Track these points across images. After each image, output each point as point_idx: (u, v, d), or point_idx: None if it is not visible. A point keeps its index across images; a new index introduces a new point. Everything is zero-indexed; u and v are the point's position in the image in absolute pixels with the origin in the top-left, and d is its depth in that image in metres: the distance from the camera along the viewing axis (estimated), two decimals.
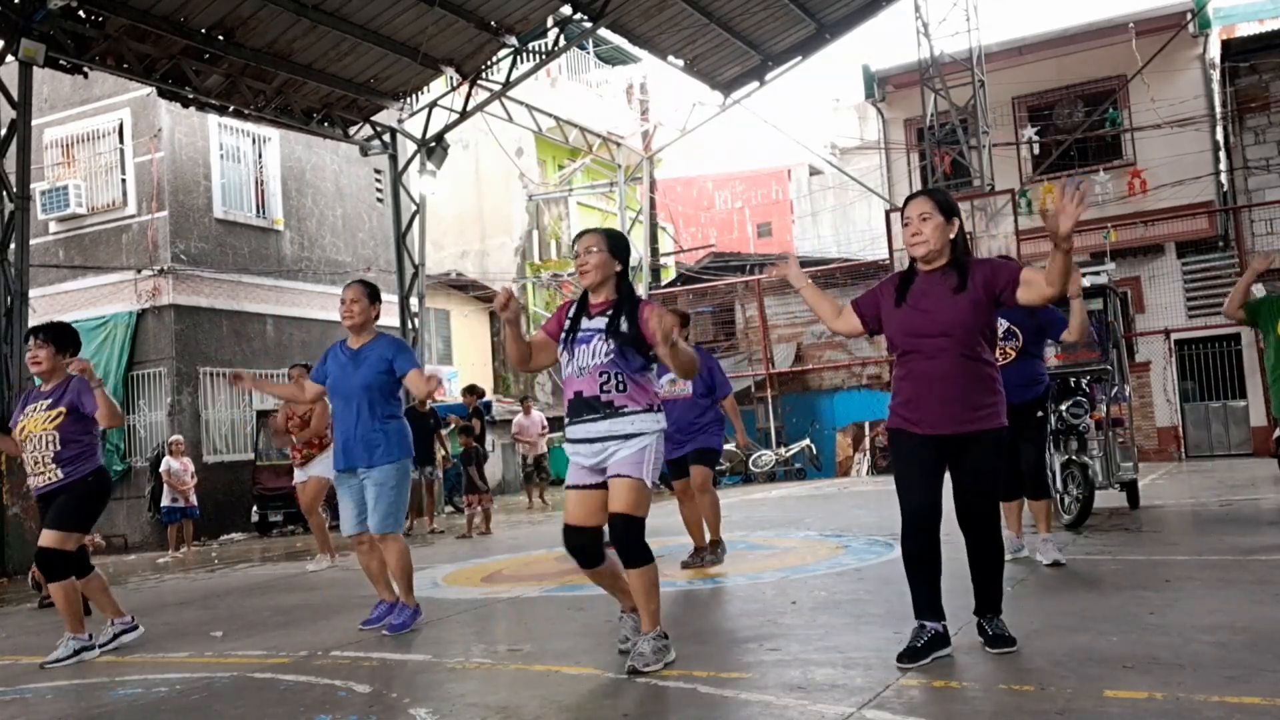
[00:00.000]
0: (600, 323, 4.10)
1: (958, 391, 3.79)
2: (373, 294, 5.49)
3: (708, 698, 3.58)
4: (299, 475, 9.53)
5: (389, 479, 5.29)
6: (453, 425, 13.13)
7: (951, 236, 3.87)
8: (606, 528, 4.10)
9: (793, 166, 30.27)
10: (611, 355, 4.03)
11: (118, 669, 5.09)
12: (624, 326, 4.04)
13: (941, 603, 3.85)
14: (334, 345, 5.57)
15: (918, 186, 19.52)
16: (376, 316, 5.51)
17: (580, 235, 4.26)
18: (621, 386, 4.02)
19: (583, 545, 4.13)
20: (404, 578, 5.46)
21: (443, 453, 13.42)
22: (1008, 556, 5.70)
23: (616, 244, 4.22)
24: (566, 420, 4.18)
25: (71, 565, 5.44)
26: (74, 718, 4.15)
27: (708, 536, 7.27)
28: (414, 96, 16.22)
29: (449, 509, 16.37)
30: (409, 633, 5.33)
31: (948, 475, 3.92)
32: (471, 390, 13.56)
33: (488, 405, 22.94)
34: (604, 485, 4.06)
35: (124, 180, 15.70)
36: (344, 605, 6.75)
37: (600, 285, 4.16)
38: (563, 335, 4.18)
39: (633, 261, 23.97)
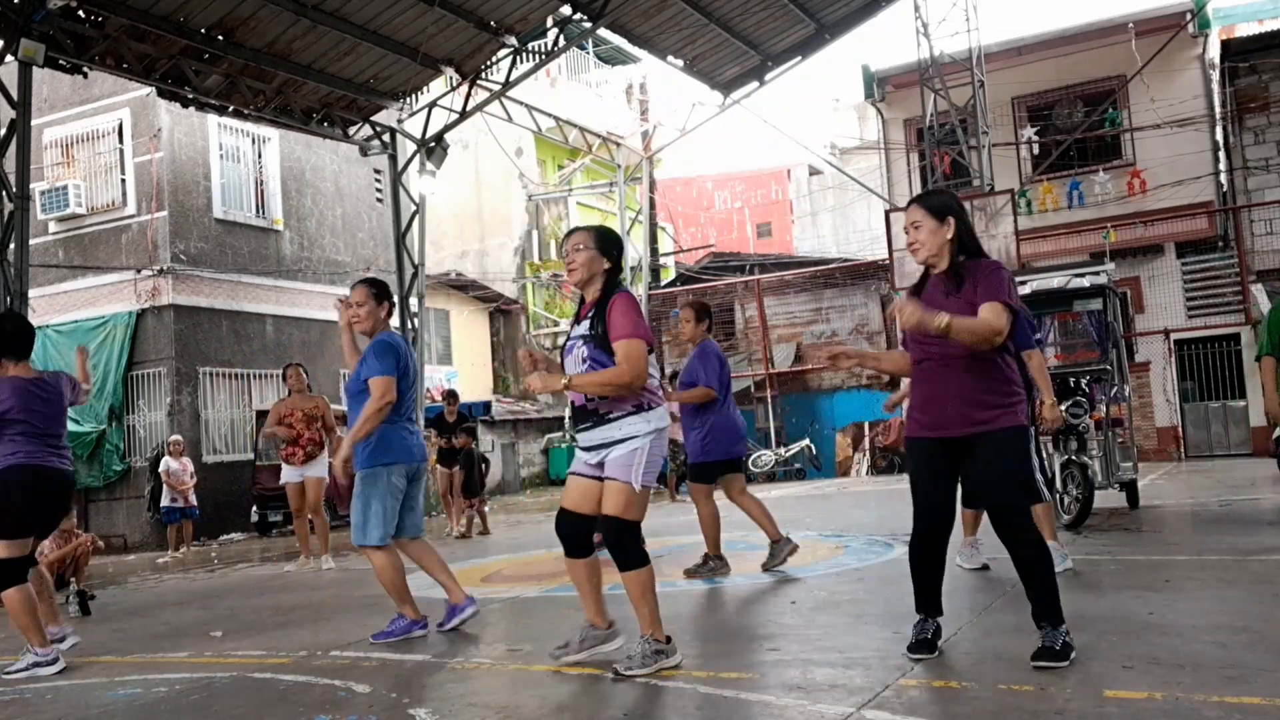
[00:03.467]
0: (583, 328, 4.08)
1: (960, 392, 3.78)
2: (379, 293, 5.29)
3: (708, 698, 3.58)
4: (292, 474, 9.41)
5: (356, 488, 5.12)
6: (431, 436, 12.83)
7: (949, 237, 3.86)
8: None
9: (792, 166, 30.28)
10: (588, 362, 4.00)
11: (118, 669, 5.09)
12: (595, 329, 4.01)
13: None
14: None
15: (917, 186, 19.52)
16: (388, 315, 5.33)
17: (569, 233, 4.21)
18: (603, 395, 3.99)
19: (571, 529, 4.15)
20: (388, 590, 5.28)
21: (432, 458, 13.07)
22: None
23: (606, 241, 4.14)
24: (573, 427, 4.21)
25: (9, 574, 5.06)
26: (74, 718, 4.14)
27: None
28: (414, 96, 16.20)
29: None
30: (414, 635, 5.25)
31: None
32: (451, 397, 12.55)
33: (487, 405, 22.94)
34: (601, 479, 4.07)
35: (124, 180, 15.70)
36: (344, 605, 6.76)
37: (588, 284, 4.11)
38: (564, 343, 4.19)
39: (632, 262, 23.89)
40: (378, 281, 5.42)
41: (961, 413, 3.78)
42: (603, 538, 4.08)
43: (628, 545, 4.00)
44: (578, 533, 4.16)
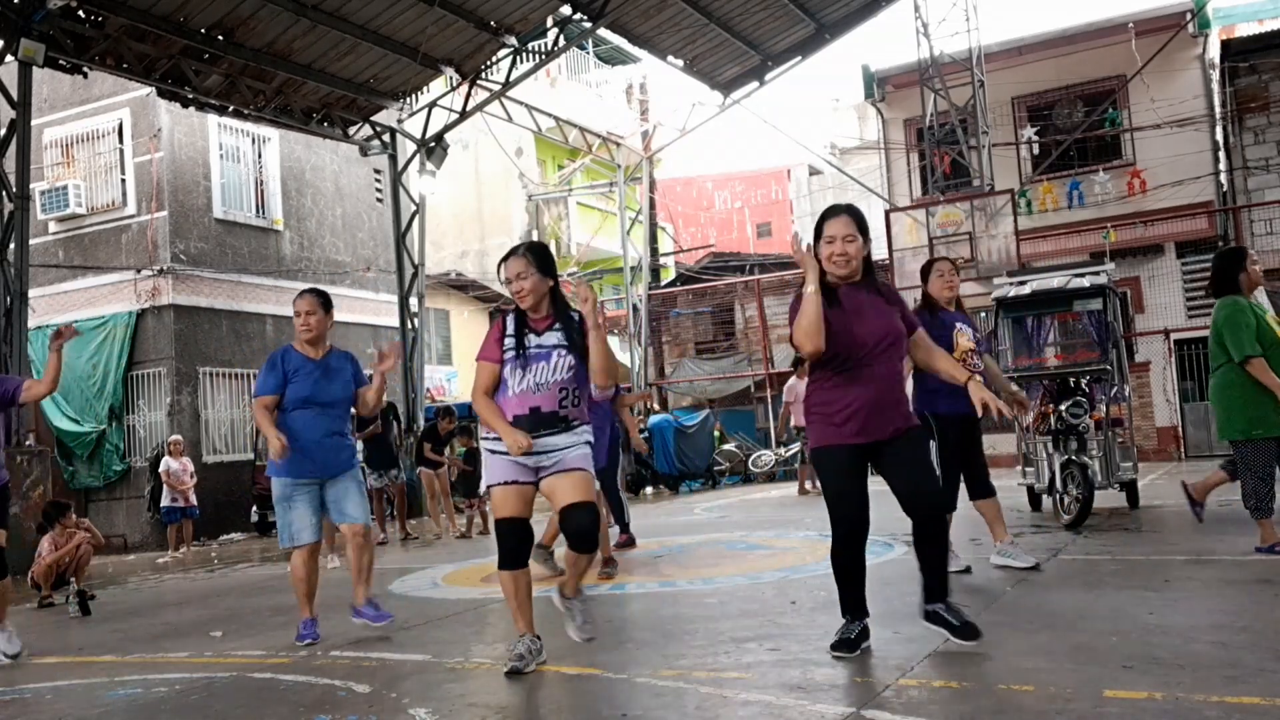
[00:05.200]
0: (556, 338, 4.18)
1: (893, 396, 4.02)
2: (327, 303, 5.42)
3: (708, 698, 3.58)
4: None
5: (359, 476, 5.56)
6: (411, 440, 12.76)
7: (867, 253, 4.12)
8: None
9: (792, 166, 30.30)
10: (573, 370, 4.15)
11: (118, 669, 5.09)
12: (574, 340, 4.19)
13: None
14: (282, 354, 5.37)
15: (917, 187, 19.53)
16: (331, 326, 5.48)
17: (505, 260, 4.29)
18: (575, 401, 4.19)
19: (520, 538, 4.25)
20: (371, 571, 5.65)
21: (451, 455, 12.85)
22: (1001, 562, 5.87)
23: (544, 261, 4.28)
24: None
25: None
26: (74, 718, 4.14)
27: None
28: (414, 96, 16.22)
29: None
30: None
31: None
32: (448, 414, 12.35)
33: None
34: (535, 484, 4.22)
35: (124, 180, 15.69)
36: (344, 605, 6.74)
37: (537, 305, 4.24)
38: (511, 353, 4.18)
39: (632, 261, 23.81)
40: (323, 291, 5.53)
41: (890, 417, 3.98)
42: (579, 524, 4.12)
43: (597, 529, 4.27)
44: (526, 541, 4.30)
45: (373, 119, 16.29)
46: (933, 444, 5.78)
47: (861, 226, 4.06)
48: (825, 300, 3.98)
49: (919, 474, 3.99)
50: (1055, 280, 8.78)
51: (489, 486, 4.28)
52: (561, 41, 16.55)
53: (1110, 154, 18.65)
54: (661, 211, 27.50)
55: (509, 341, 4.20)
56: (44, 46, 10.95)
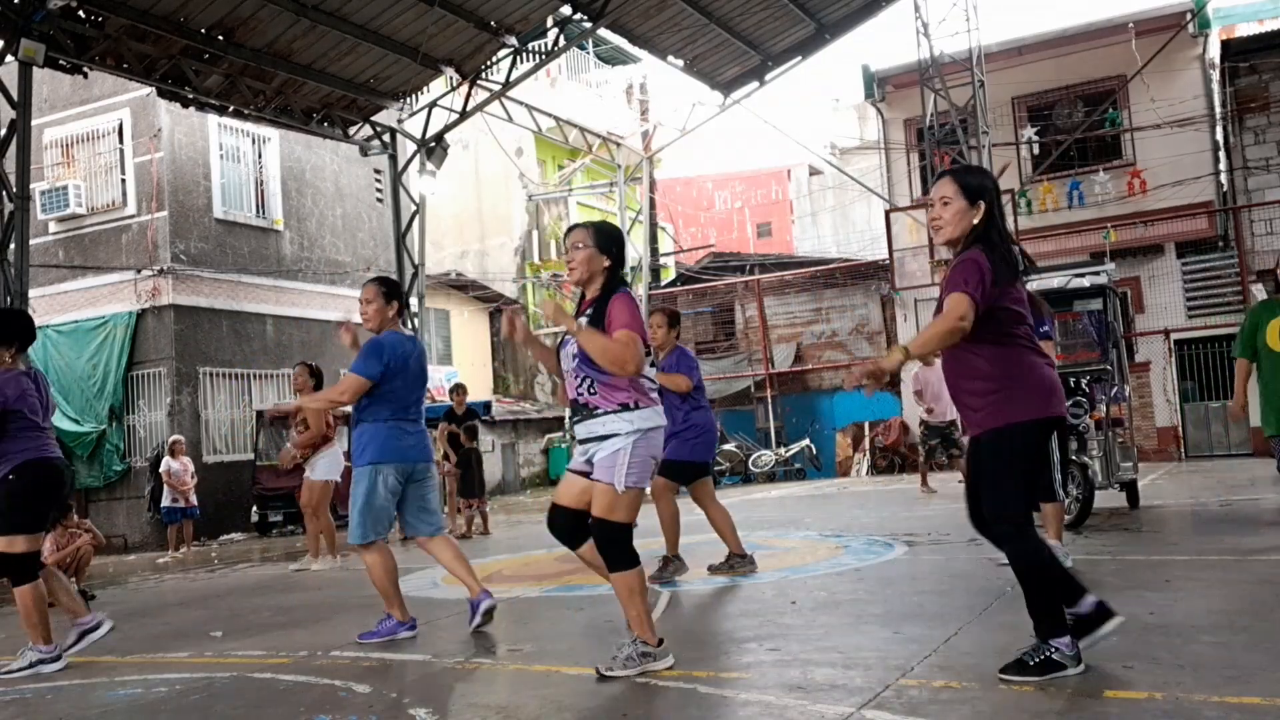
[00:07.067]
0: (580, 323, 4.03)
1: (955, 383, 3.64)
2: (389, 292, 5.25)
3: (708, 698, 3.58)
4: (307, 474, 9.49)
5: (355, 483, 5.17)
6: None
7: (975, 222, 3.52)
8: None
9: (792, 166, 30.29)
10: (578, 358, 3.98)
11: (118, 669, 5.09)
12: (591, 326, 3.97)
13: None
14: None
15: (917, 186, 19.52)
16: (395, 314, 5.26)
17: (569, 230, 4.17)
18: (592, 389, 3.98)
19: (560, 524, 4.25)
20: (377, 589, 5.30)
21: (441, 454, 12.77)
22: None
23: (605, 238, 4.09)
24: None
25: (27, 568, 5.11)
26: (74, 718, 4.15)
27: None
28: (414, 96, 16.20)
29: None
30: (399, 637, 5.25)
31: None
32: (459, 389, 12.42)
33: (487, 405, 22.97)
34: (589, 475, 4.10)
35: (124, 180, 15.70)
36: (344, 605, 6.75)
37: (588, 282, 4.08)
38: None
39: (632, 261, 23.75)
40: (389, 280, 5.39)
41: (960, 409, 3.70)
42: (597, 542, 4.06)
43: (614, 547, 3.98)
44: (572, 527, 4.22)
45: (373, 119, 16.27)
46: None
47: (967, 189, 3.54)
48: None
49: (982, 488, 3.57)
50: (1055, 280, 8.78)
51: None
52: (561, 41, 16.53)
53: (1110, 154, 18.65)
54: (661, 211, 27.51)
55: None
56: (44, 46, 10.93)
